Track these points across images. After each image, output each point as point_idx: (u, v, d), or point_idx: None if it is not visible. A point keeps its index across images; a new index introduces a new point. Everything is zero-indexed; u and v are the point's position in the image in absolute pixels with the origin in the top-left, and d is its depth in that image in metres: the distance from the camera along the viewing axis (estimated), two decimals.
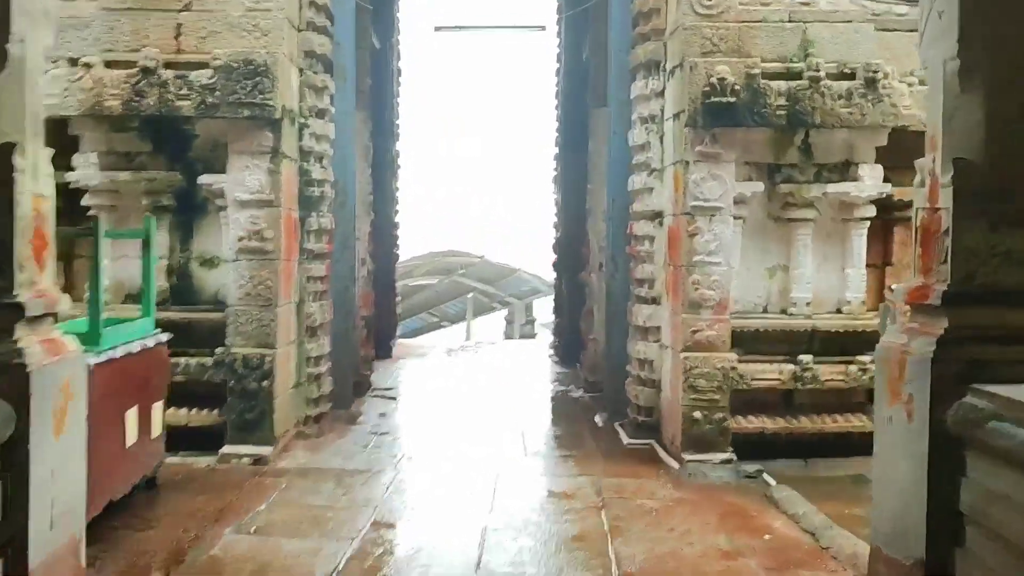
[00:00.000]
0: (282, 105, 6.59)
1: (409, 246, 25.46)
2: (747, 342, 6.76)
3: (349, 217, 8.05)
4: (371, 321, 10.44)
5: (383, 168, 12.10)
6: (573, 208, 12.14)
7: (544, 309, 31.29)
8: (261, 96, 6.44)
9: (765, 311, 6.99)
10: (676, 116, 6.83)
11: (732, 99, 6.43)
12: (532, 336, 29.44)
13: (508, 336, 28.82)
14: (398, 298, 14.60)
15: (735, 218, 6.69)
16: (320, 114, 7.37)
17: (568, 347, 12.51)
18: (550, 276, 29.05)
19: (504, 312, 29.25)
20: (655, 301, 7.31)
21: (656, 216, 7.28)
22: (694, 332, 6.59)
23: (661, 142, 7.26)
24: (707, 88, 6.45)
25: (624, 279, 7.87)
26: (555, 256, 13.61)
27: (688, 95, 6.51)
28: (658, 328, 7.28)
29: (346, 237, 8.01)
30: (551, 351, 14.02)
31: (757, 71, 6.46)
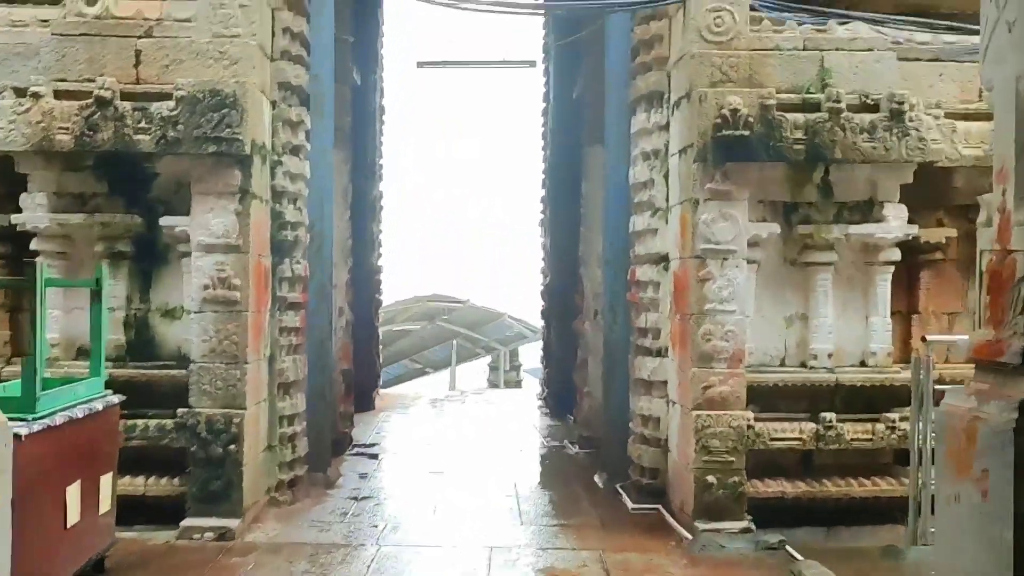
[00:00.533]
0: (252, 140, 6.00)
1: (392, 291, 24.80)
2: (764, 398, 6.16)
3: (326, 264, 7.42)
4: (350, 374, 9.77)
5: (364, 211, 11.51)
6: (564, 253, 11.57)
7: (530, 355, 30.67)
8: (229, 130, 5.84)
9: (783, 364, 6.39)
10: (683, 151, 6.28)
11: (745, 132, 5.89)
12: (517, 383, 28.82)
13: (493, 383, 28.15)
14: (380, 346, 13.94)
15: (749, 262, 6.12)
16: (295, 151, 6.78)
17: (559, 398, 11.87)
18: (536, 321, 28.44)
19: (488, 358, 28.61)
20: (660, 353, 6.71)
21: (661, 260, 6.71)
22: (706, 388, 5.99)
23: (666, 180, 6.70)
24: (718, 120, 5.90)
25: (624, 329, 7.27)
26: (544, 303, 13.02)
27: (697, 128, 5.96)
28: (664, 383, 6.67)
29: (323, 285, 7.38)
30: (540, 402, 13.38)
31: (772, 102, 5.92)
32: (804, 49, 6.16)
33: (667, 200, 6.69)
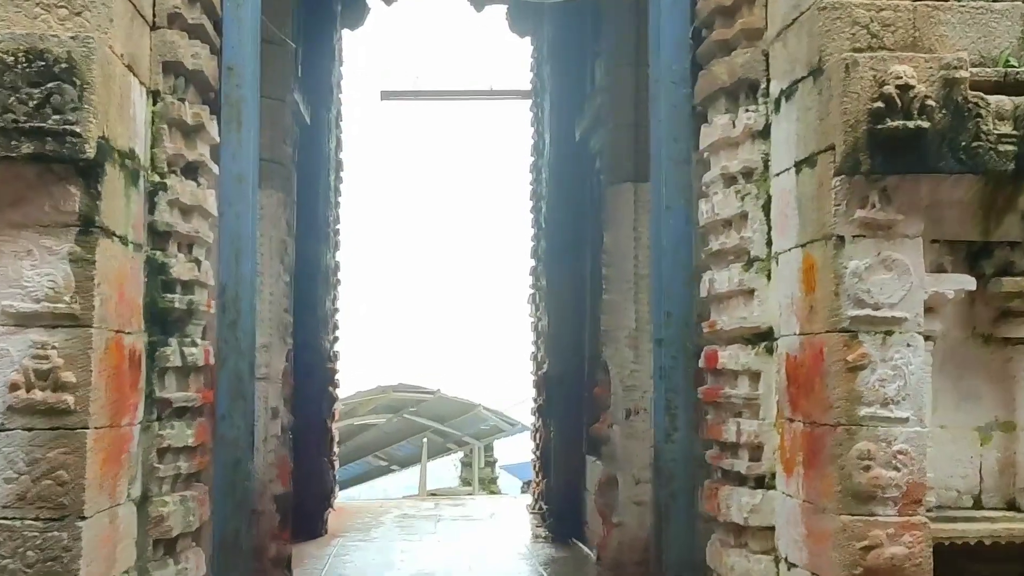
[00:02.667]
0: (104, 138, 3.57)
1: (351, 380, 22.21)
2: (950, 561, 3.73)
3: (246, 346, 4.93)
4: (287, 499, 7.20)
5: (314, 280, 9.11)
6: (569, 333, 9.20)
7: (507, 450, 28.00)
8: (59, 117, 3.42)
9: (977, 504, 3.99)
10: (803, 164, 3.96)
11: (923, 122, 3.56)
12: (493, 480, 26.13)
13: (466, 481, 25.42)
14: (335, 451, 11.36)
15: (925, 338, 3.75)
16: (190, 171, 4.40)
17: (562, 518, 9.35)
18: (517, 414, 25.91)
19: (460, 453, 25.91)
20: (764, 483, 4.28)
21: (761, 337, 4.33)
22: (866, 548, 3.55)
23: (765, 213, 4.36)
24: (876, 104, 3.56)
25: (689, 440, 4.83)
26: (540, 396, 10.59)
27: (840, 119, 3.63)
28: (770, 529, 4.23)
29: (239, 378, 4.88)
30: (533, 518, 10.82)
31: (963, 75, 3.63)
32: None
33: (769, 244, 4.34)
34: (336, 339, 11.18)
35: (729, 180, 4.54)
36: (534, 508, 11.30)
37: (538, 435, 11.36)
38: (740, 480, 4.40)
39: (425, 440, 20.79)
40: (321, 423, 9.31)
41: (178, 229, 4.24)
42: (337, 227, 11.27)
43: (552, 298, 9.47)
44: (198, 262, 4.41)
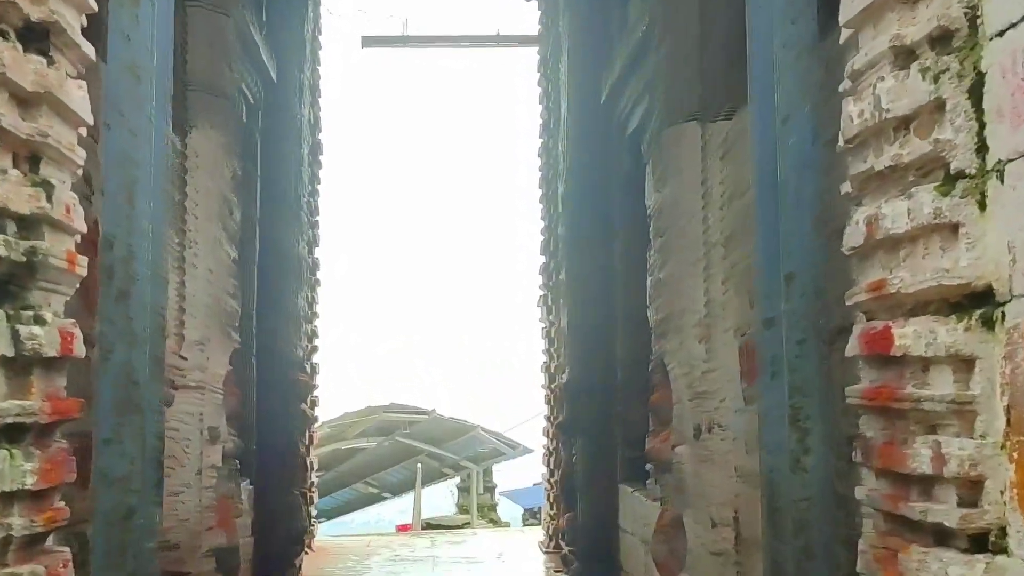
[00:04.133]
0: None
1: (339, 400, 20.44)
2: None
3: (142, 329, 3.23)
4: (232, 555, 5.46)
5: (282, 271, 7.43)
6: (594, 334, 7.53)
7: (508, 475, 26.19)
8: None
9: None
10: None
11: None
12: (493, 507, 24.40)
13: (463, 508, 23.64)
14: (315, 476, 9.63)
15: None
16: (34, 37, 2.71)
17: (589, 561, 7.61)
18: (518, 435, 24.16)
19: (457, 479, 24.14)
20: (985, 543, 2.57)
21: (973, 302, 2.63)
22: None
23: (975, 100, 2.67)
24: None
25: (827, 467, 3.15)
26: (559, 411, 8.90)
27: None
28: None
29: (132, 379, 3.18)
30: (551, 561, 9.08)
31: None
32: None
33: (982, 149, 2.65)
34: (314, 348, 9.50)
35: (905, 56, 2.85)
36: (549, 546, 9.57)
37: (553, 458, 9.65)
38: (941, 536, 2.70)
39: (419, 465, 18.97)
40: (290, 448, 7.58)
41: (4, 126, 2.54)
42: (315, 217, 9.62)
43: (574, 293, 7.79)
44: (47, 187, 2.70)
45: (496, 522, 23.45)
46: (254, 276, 7.11)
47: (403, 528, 24.08)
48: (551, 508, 9.72)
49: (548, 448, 9.77)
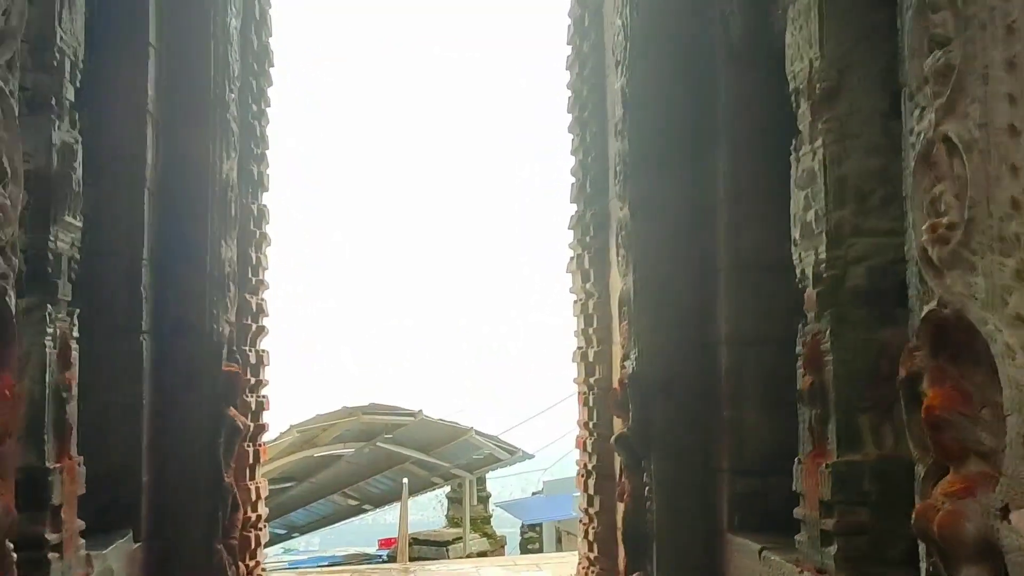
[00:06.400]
0: None
1: (309, 399, 17.71)
2: None
3: None
4: None
5: (199, 205, 4.73)
6: (678, 302, 4.86)
7: (502, 485, 23.47)
8: None
9: None
10: None
11: None
12: (487, 519, 21.69)
13: (453, 521, 20.96)
14: (263, 509, 6.94)
15: None
16: None
17: None
18: (514, 439, 21.44)
19: (447, 488, 21.44)
20: None
21: None
22: None
23: None
24: None
25: None
26: (596, 418, 6.29)
27: None
28: None
29: None
30: None
31: None
32: None
33: None
34: (260, 329, 6.82)
35: None
36: None
37: (592, 482, 6.99)
38: None
39: (406, 480, 16.24)
40: (209, 479, 4.88)
41: None
42: (262, 149, 6.95)
43: (645, 239, 5.10)
44: None
45: (491, 536, 20.80)
46: (143, 201, 4.43)
47: (386, 543, 21.39)
48: (589, 552, 7.04)
49: (586, 467, 7.10)
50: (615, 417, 5.63)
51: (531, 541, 21.72)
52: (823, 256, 3.64)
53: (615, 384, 6.69)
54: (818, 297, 3.69)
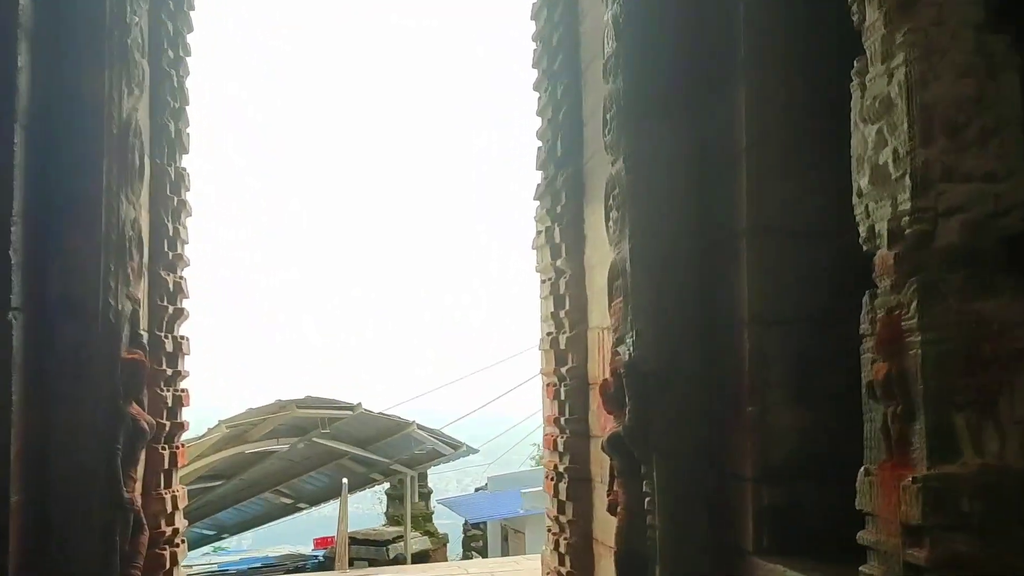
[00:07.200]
0: None
1: (240, 393, 16.52)
2: None
3: None
4: None
5: (87, 151, 3.71)
6: (683, 276, 4.00)
7: (444, 480, 22.52)
8: None
9: None
10: None
11: None
12: (428, 517, 20.79)
13: (393, 518, 20.03)
14: (180, 522, 5.95)
15: None
16: None
17: None
18: (457, 433, 20.49)
19: (386, 485, 20.46)
20: None
21: None
22: None
23: None
24: None
25: None
26: (571, 412, 5.45)
27: None
28: None
29: None
30: None
31: None
32: None
33: None
34: (177, 312, 5.87)
35: None
36: None
37: (564, 486, 6.15)
38: None
39: (345, 481, 15.23)
40: (107, 490, 3.88)
41: None
42: (180, 104, 5.98)
43: (645, 200, 4.21)
44: None
45: (433, 535, 19.90)
46: (12, 139, 3.40)
47: (322, 543, 20.32)
48: (560, 566, 6.15)
49: (556, 471, 6.22)
50: (604, 413, 4.75)
51: (474, 539, 20.84)
52: (906, 206, 2.80)
53: (594, 373, 5.82)
54: (897, 260, 2.85)
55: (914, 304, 2.78)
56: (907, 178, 2.79)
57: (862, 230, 3.04)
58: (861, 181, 3.03)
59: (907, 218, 2.80)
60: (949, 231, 2.78)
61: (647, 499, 4.11)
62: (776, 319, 3.72)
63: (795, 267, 3.71)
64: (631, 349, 4.16)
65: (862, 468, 3.00)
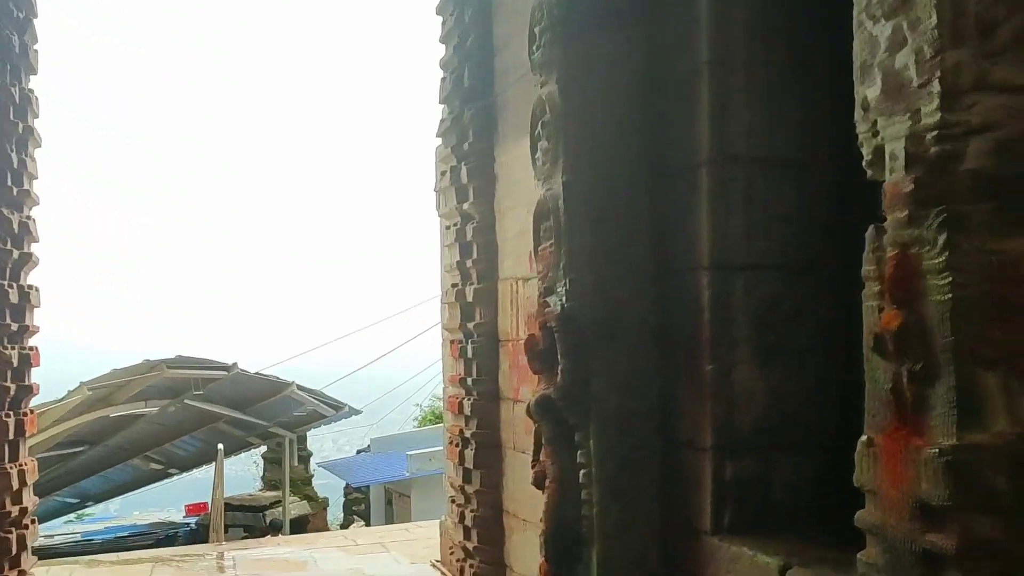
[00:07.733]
0: None
1: (106, 353, 15.38)
2: None
3: None
4: None
5: None
6: (630, 211, 3.45)
7: (323, 443, 21.72)
8: None
9: None
10: None
11: None
12: (308, 480, 20.02)
13: (270, 482, 19.18)
14: (30, 501, 5.18)
15: None
16: None
17: None
18: (338, 393, 19.68)
19: (263, 448, 19.55)
20: None
21: None
22: None
23: None
24: None
25: None
26: (503, 376, 4.88)
27: None
28: None
29: None
30: None
31: None
32: None
33: None
34: (26, 257, 5.09)
35: None
36: None
37: (470, 453, 5.60)
38: None
39: (221, 447, 14.35)
40: None
41: None
42: (24, 14, 5.11)
43: (582, 127, 3.63)
44: None
45: (313, 499, 19.14)
46: None
47: (194, 509, 19.27)
48: (466, 540, 5.60)
49: (461, 436, 5.64)
50: (517, 374, 4.18)
51: (356, 503, 20.14)
52: (932, 119, 2.29)
53: (505, 329, 5.25)
54: (917, 186, 2.34)
55: (941, 240, 2.28)
56: (936, 83, 2.28)
57: (866, 152, 2.52)
58: (868, 92, 2.50)
59: (933, 134, 2.29)
60: (980, 153, 2.28)
61: (583, 471, 3.57)
62: (741, 263, 3.20)
63: (765, 203, 3.19)
64: (563, 299, 3.59)
65: (863, 437, 2.50)
